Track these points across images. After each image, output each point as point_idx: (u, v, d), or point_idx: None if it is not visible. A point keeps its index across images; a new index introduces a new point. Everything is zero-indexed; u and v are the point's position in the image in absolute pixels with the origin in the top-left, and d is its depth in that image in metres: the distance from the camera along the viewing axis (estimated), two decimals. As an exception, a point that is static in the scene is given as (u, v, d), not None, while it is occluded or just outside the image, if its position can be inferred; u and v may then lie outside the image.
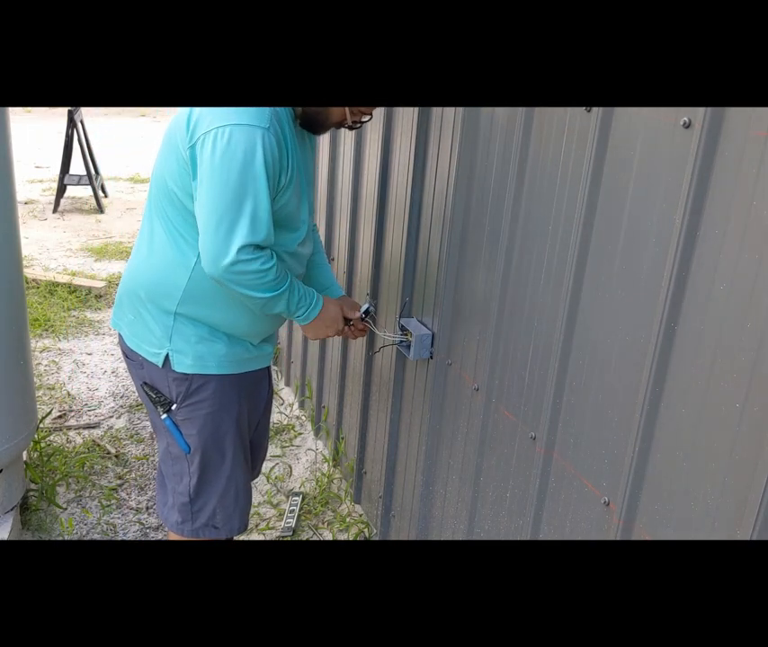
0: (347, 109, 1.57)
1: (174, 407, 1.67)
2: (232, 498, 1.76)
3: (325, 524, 2.61)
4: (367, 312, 1.87)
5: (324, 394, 3.04)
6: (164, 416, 1.68)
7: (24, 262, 2.83)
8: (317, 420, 3.10)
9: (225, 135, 1.40)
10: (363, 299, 2.47)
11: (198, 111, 1.46)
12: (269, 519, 2.61)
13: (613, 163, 1.28)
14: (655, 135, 1.19)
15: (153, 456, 2.98)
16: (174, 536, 1.82)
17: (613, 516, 1.32)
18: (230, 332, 1.67)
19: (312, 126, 1.63)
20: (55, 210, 6.63)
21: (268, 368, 1.86)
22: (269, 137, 1.43)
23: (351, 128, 1.67)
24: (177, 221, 1.57)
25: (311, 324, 1.72)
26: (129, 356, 1.72)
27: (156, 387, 1.67)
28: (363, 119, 1.65)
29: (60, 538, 2.44)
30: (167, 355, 1.63)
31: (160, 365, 1.64)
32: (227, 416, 1.70)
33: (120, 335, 1.75)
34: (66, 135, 6.48)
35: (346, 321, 1.84)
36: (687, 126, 1.12)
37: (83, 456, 2.88)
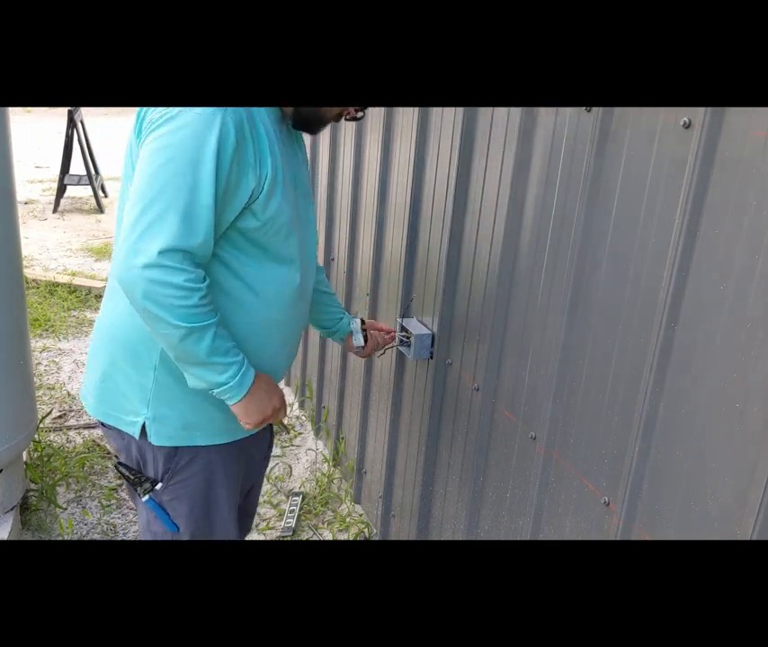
0: None
1: (158, 487, 1.40)
2: None
3: (325, 524, 2.61)
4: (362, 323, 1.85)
5: (324, 394, 3.04)
6: (145, 498, 1.40)
7: (24, 262, 2.83)
8: (317, 421, 3.10)
9: (171, 116, 1.15)
10: (363, 299, 2.47)
11: (147, 110, 1.23)
12: (269, 519, 2.61)
13: (613, 164, 1.28)
14: (655, 135, 1.19)
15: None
16: None
17: (613, 516, 1.32)
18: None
19: (308, 124, 1.41)
20: (55, 210, 6.63)
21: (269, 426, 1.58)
22: (227, 119, 1.15)
23: (351, 119, 1.44)
24: None
25: (243, 401, 1.30)
26: (104, 428, 1.44)
27: (133, 466, 1.40)
28: (359, 114, 1.45)
29: (60, 538, 2.44)
30: (144, 424, 1.34)
31: (137, 436, 1.35)
32: (220, 488, 1.44)
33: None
34: (66, 135, 6.48)
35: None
36: (687, 126, 1.12)
37: (83, 456, 2.88)
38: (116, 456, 1.42)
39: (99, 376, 1.39)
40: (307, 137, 1.58)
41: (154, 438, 1.35)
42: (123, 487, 2.76)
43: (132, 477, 1.40)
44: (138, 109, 1.26)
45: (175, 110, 1.16)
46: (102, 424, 1.43)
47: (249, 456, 1.54)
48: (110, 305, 1.38)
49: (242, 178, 1.21)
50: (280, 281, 1.36)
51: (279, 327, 1.40)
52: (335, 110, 1.40)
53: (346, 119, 1.46)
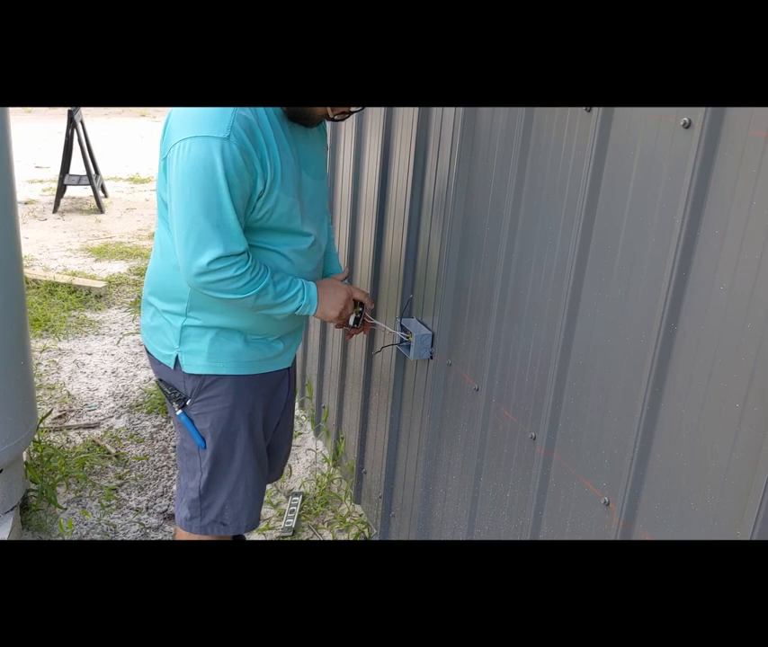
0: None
1: (188, 402, 1.69)
2: (241, 496, 1.77)
3: (325, 524, 2.61)
4: (362, 312, 1.85)
5: (324, 394, 3.04)
6: (179, 411, 1.70)
7: (24, 262, 2.83)
8: (317, 421, 3.10)
9: (185, 149, 1.41)
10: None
11: (172, 119, 1.47)
12: (269, 519, 2.61)
13: (613, 163, 1.28)
14: (655, 135, 1.19)
15: (153, 455, 2.98)
16: (181, 535, 1.82)
17: (613, 516, 1.32)
18: (245, 329, 1.66)
19: (300, 120, 1.58)
20: (55, 210, 6.63)
21: (289, 370, 1.84)
22: (228, 146, 1.40)
23: (336, 120, 1.64)
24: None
25: (318, 308, 1.68)
26: (151, 360, 1.76)
27: (171, 383, 1.70)
28: (349, 111, 1.61)
29: (60, 538, 2.45)
30: (177, 357, 1.65)
31: (171, 367, 1.67)
32: (240, 414, 1.70)
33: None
34: (66, 135, 6.48)
35: (355, 303, 1.82)
36: (687, 126, 1.12)
37: (83, 456, 2.88)
38: (159, 379, 1.73)
39: (149, 315, 1.73)
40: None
41: (185, 368, 1.66)
42: (122, 487, 2.76)
43: (169, 392, 1.71)
44: (164, 123, 1.53)
45: (186, 143, 1.41)
46: (148, 353, 1.77)
47: (271, 392, 1.78)
48: (150, 265, 1.73)
49: (252, 185, 1.48)
50: (291, 247, 1.63)
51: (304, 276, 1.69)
52: (320, 109, 1.57)
53: (335, 119, 1.62)
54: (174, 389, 1.70)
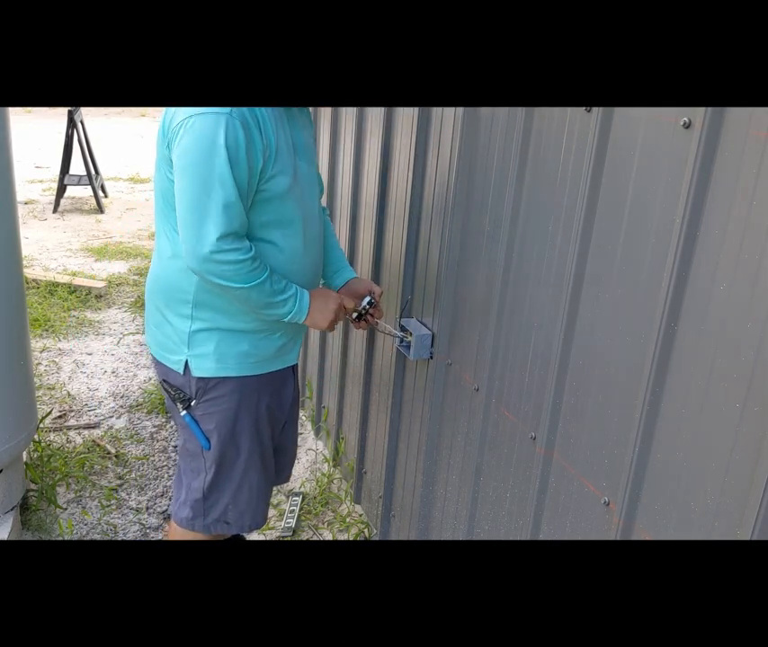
0: None
1: (193, 403, 1.68)
2: (245, 495, 1.76)
3: (326, 524, 2.61)
4: (371, 303, 1.85)
5: (324, 394, 3.04)
6: (183, 412, 1.69)
7: (24, 262, 2.83)
8: (317, 421, 3.10)
9: (188, 125, 1.41)
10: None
11: (172, 109, 1.48)
12: (269, 519, 2.61)
13: (613, 163, 1.28)
14: (655, 135, 1.19)
15: (153, 455, 2.98)
16: (175, 534, 1.82)
17: (613, 516, 1.32)
18: (251, 330, 1.65)
19: None
20: (55, 210, 6.63)
21: (294, 368, 1.84)
22: (232, 121, 1.40)
23: None
24: (174, 219, 1.55)
25: (308, 316, 1.66)
26: (158, 366, 1.75)
27: (176, 385, 1.69)
28: None
29: (60, 538, 2.44)
30: (186, 361, 1.64)
31: (181, 372, 1.66)
32: (245, 414, 1.70)
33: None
34: (66, 135, 6.48)
35: (353, 310, 1.82)
36: (687, 126, 1.12)
37: (83, 456, 2.88)
38: (164, 380, 1.72)
39: (150, 321, 1.73)
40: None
41: (195, 372, 1.65)
42: (122, 487, 2.76)
43: (173, 393, 1.70)
44: (164, 111, 1.53)
45: (189, 120, 1.42)
46: (155, 359, 1.75)
47: (276, 392, 1.77)
48: (152, 267, 1.71)
49: (255, 162, 1.48)
50: (287, 239, 1.62)
51: (299, 266, 1.68)
52: None
53: None
54: (178, 390, 1.69)
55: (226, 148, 1.40)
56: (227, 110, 1.39)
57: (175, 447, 3.01)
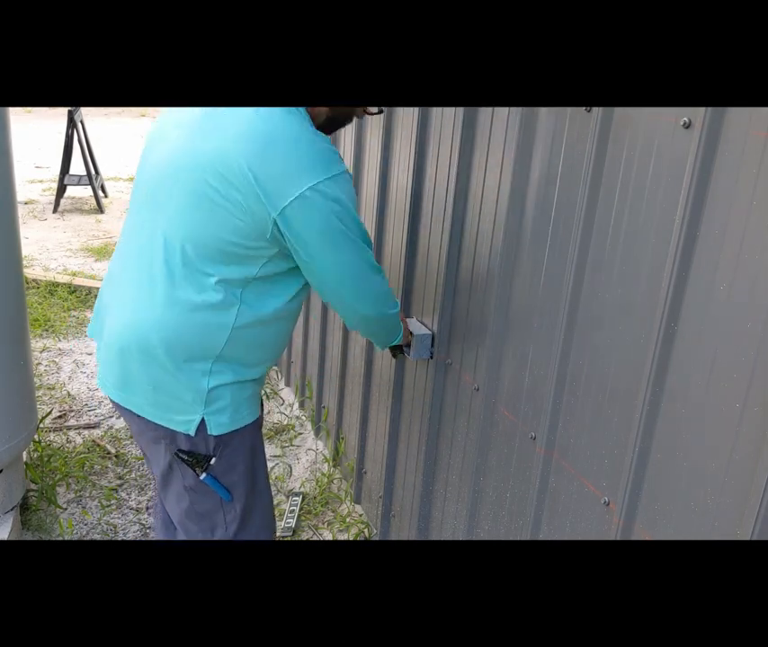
0: None
1: (213, 461, 1.52)
2: (265, 534, 1.70)
3: (326, 524, 2.61)
4: None
5: (324, 394, 3.04)
6: (203, 475, 1.53)
7: (24, 262, 2.83)
8: (317, 421, 3.10)
9: (324, 191, 1.34)
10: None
11: (254, 167, 1.31)
12: (269, 519, 2.61)
13: (613, 163, 1.28)
14: (655, 135, 1.19)
15: (153, 456, 2.98)
16: None
17: (613, 516, 1.32)
18: (258, 372, 1.58)
19: (332, 126, 1.56)
20: (55, 210, 6.63)
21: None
22: (350, 175, 1.44)
23: (372, 113, 1.67)
24: (224, 271, 1.40)
25: (403, 331, 1.80)
26: (151, 430, 1.52)
27: (188, 449, 1.51)
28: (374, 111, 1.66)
29: (60, 538, 2.44)
30: (202, 419, 1.47)
31: (192, 433, 1.47)
32: (259, 452, 1.65)
33: (120, 406, 1.53)
34: (66, 135, 6.47)
35: None
36: (687, 126, 1.12)
37: (83, 456, 2.88)
38: (179, 450, 1.51)
39: (149, 385, 1.46)
40: None
41: (214, 430, 1.48)
42: (122, 487, 2.76)
43: (192, 460, 1.51)
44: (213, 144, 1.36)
45: (320, 185, 1.34)
46: (147, 431, 1.53)
47: (261, 426, 1.72)
48: (161, 318, 1.42)
49: None
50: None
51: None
52: (346, 110, 1.57)
53: (358, 116, 1.64)
54: (193, 454, 1.51)
55: (354, 204, 1.44)
56: (344, 166, 1.41)
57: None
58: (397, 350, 1.94)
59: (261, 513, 1.67)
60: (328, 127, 1.52)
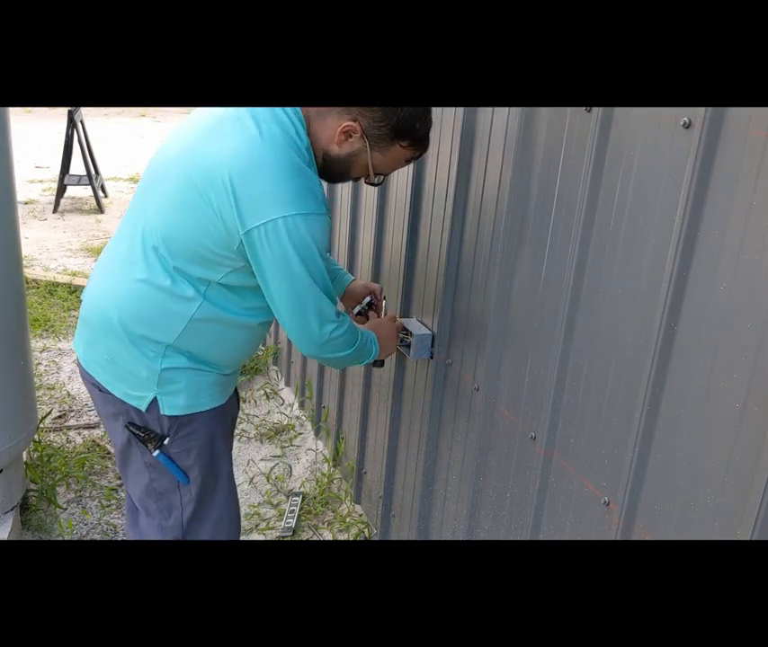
0: (370, 164, 1.51)
1: (166, 441, 1.56)
2: (225, 525, 1.69)
3: (326, 524, 2.61)
4: (370, 305, 1.87)
5: (324, 394, 3.04)
6: (156, 452, 1.56)
7: (24, 262, 2.83)
8: (317, 421, 3.10)
9: (293, 224, 1.36)
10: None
11: (236, 182, 1.35)
12: (269, 519, 2.61)
13: (613, 163, 1.28)
14: (655, 135, 1.19)
15: (153, 456, 2.98)
16: None
17: (613, 516, 1.32)
18: (222, 364, 1.59)
19: (330, 176, 1.58)
20: (55, 210, 6.63)
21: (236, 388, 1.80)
22: (328, 220, 1.44)
23: (372, 184, 1.62)
24: (190, 267, 1.45)
25: (381, 345, 1.75)
26: (110, 403, 1.58)
27: (143, 425, 1.55)
28: (381, 178, 1.61)
29: (60, 538, 2.44)
30: (155, 398, 1.51)
31: (143, 409, 1.52)
32: (221, 440, 1.65)
33: (84, 368, 1.60)
34: (66, 135, 6.47)
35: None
36: (687, 126, 1.12)
37: (83, 456, 2.88)
38: (129, 422, 1.55)
39: (106, 355, 1.54)
40: None
41: (167, 410, 1.52)
42: (122, 487, 2.76)
43: (143, 434, 1.54)
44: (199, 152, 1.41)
45: (290, 220, 1.35)
46: (100, 391, 1.58)
47: (230, 417, 1.75)
48: (124, 290, 1.50)
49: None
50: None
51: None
52: (359, 170, 1.56)
53: (366, 182, 1.62)
54: (147, 430, 1.55)
55: (324, 245, 1.45)
56: (324, 209, 1.42)
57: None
58: (377, 364, 1.89)
59: (220, 503, 1.67)
60: (322, 174, 1.53)
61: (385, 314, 1.94)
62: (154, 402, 1.51)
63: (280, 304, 1.46)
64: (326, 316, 1.49)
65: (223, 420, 1.66)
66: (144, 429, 1.55)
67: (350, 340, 1.58)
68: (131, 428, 1.56)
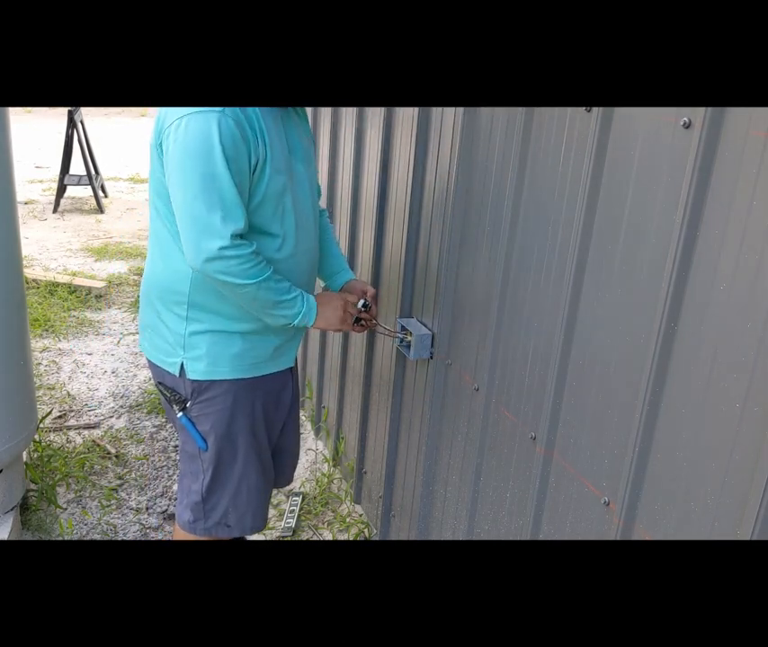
0: None
1: (188, 404, 1.68)
2: (244, 497, 1.75)
3: (326, 524, 2.61)
4: (365, 306, 1.84)
5: (324, 394, 3.04)
6: (179, 414, 1.70)
7: (24, 262, 2.83)
8: (317, 421, 3.10)
9: (182, 125, 1.41)
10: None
11: (165, 108, 1.47)
12: (269, 519, 2.61)
13: (613, 163, 1.28)
14: (655, 135, 1.19)
15: (153, 455, 2.98)
16: (180, 535, 1.82)
17: (613, 516, 1.32)
18: (245, 327, 1.64)
19: None
20: (55, 210, 6.63)
21: (292, 372, 1.83)
22: (225, 120, 1.40)
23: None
24: (173, 222, 1.54)
25: (319, 315, 1.67)
26: (155, 373, 1.75)
27: (171, 387, 1.69)
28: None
29: (60, 538, 2.44)
30: (182, 363, 1.64)
31: (177, 374, 1.66)
32: (241, 415, 1.70)
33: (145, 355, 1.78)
34: (67, 135, 6.48)
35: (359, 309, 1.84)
36: (687, 126, 1.12)
37: (83, 456, 2.88)
38: (159, 382, 1.72)
39: (144, 323, 1.74)
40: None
41: (190, 374, 1.64)
42: (122, 487, 2.76)
43: (169, 395, 1.70)
44: (157, 113, 1.52)
45: (182, 120, 1.42)
46: (150, 361, 1.75)
47: (272, 394, 1.76)
48: (149, 268, 1.70)
49: (248, 159, 1.47)
50: (273, 248, 1.60)
51: (291, 269, 1.65)
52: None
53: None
54: (174, 392, 1.69)
55: (222, 146, 1.40)
56: (219, 109, 1.40)
57: (176, 447, 3.01)
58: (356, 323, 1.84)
59: (237, 477, 1.73)
60: None
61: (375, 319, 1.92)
62: (182, 367, 1.64)
63: (175, 210, 1.49)
64: (222, 225, 1.43)
65: (248, 398, 1.69)
66: (171, 390, 1.69)
67: (251, 272, 1.49)
68: (161, 387, 1.72)
